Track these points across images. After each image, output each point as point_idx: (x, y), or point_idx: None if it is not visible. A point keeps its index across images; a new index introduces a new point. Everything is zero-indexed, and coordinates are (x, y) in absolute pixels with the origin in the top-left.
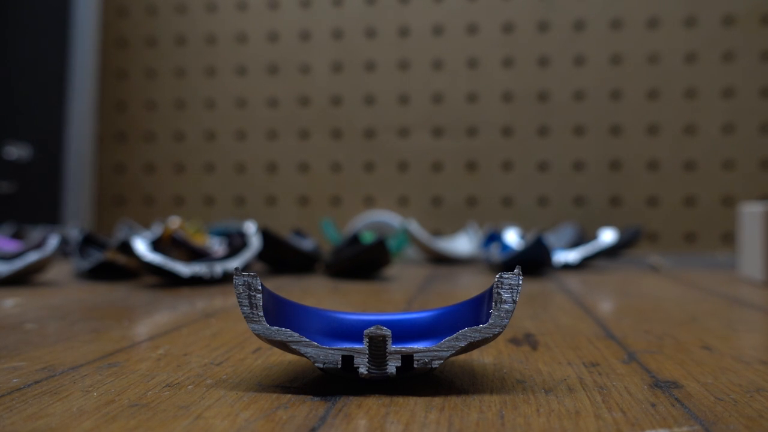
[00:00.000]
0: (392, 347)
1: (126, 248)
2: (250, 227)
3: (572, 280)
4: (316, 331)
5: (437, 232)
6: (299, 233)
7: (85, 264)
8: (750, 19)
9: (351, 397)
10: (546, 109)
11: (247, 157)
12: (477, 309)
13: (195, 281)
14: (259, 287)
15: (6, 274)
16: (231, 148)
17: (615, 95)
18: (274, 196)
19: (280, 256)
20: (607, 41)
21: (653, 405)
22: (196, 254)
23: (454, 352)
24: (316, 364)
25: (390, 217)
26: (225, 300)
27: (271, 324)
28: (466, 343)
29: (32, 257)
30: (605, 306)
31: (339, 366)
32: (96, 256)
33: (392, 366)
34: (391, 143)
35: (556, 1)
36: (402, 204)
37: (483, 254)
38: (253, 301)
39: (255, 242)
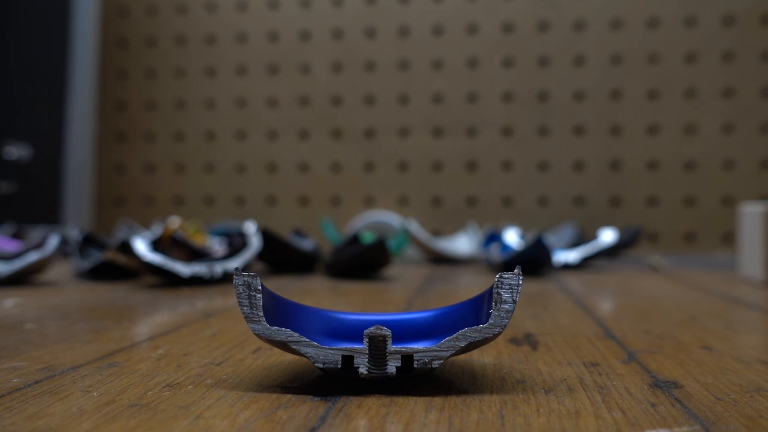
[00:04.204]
0: (392, 347)
1: (126, 248)
2: (250, 227)
3: (572, 280)
4: (316, 331)
5: (437, 232)
6: (299, 233)
7: (85, 264)
8: (750, 19)
9: (351, 397)
10: (546, 109)
11: (247, 157)
12: (477, 309)
13: (195, 281)
14: (259, 287)
15: (6, 274)
16: (231, 148)
17: (615, 95)
18: (274, 196)
19: (280, 256)
20: (607, 41)
21: (653, 405)
22: (196, 254)
23: (454, 352)
24: (316, 364)
25: (390, 217)
26: (225, 300)
27: (271, 324)
28: (466, 343)
29: (32, 257)
30: (605, 306)
31: (339, 366)
32: (96, 256)
33: (392, 366)
34: (391, 143)
35: (557, 1)
36: (402, 204)
37: (483, 254)
38: (253, 301)
39: (255, 242)
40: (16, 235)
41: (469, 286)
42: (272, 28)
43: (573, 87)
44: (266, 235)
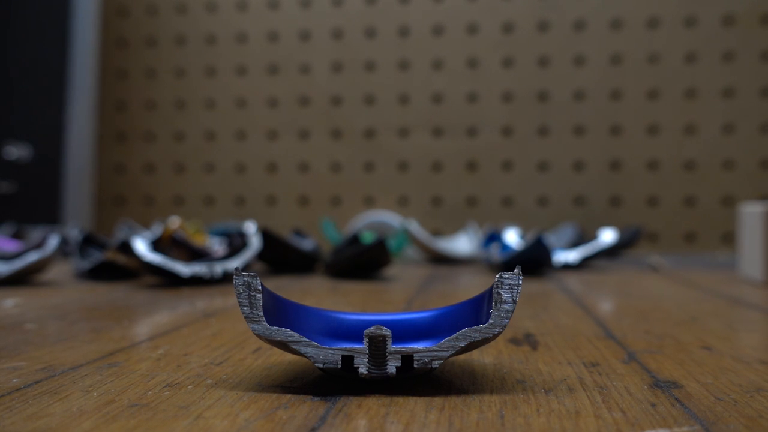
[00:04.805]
0: (392, 347)
1: (126, 248)
2: (250, 227)
3: (572, 280)
4: (316, 331)
5: (437, 232)
6: (299, 233)
7: (85, 264)
8: (750, 19)
9: (351, 397)
10: (546, 109)
11: (247, 157)
12: (477, 309)
13: (195, 281)
14: (259, 287)
15: (6, 274)
16: (231, 148)
17: (615, 95)
18: (274, 196)
19: (280, 256)
20: (607, 41)
21: (653, 405)
22: (196, 254)
23: (454, 352)
24: (316, 364)
25: (390, 217)
26: (225, 300)
27: (271, 324)
28: (466, 343)
29: (32, 257)
30: (605, 306)
31: (339, 366)
32: (96, 256)
33: (392, 366)
34: (391, 143)
35: (558, 1)
36: (402, 204)
37: (483, 254)
38: (253, 301)
39: (255, 242)
40: (16, 235)
41: (469, 286)
42: (272, 28)
43: (573, 87)
44: (266, 235)
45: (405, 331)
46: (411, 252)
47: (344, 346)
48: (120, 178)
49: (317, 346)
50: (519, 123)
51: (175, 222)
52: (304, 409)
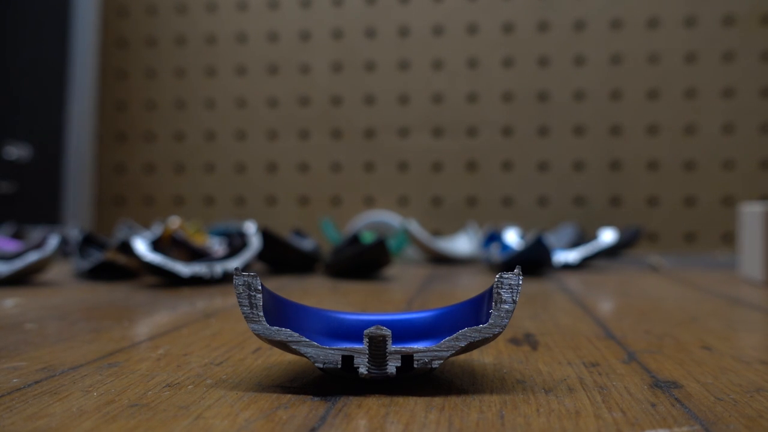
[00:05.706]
0: (392, 347)
1: (126, 248)
2: (250, 227)
3: (572, 280)
4: (316, 331)
5: (437, 232)
6: (299, 233)
7: (85, 264)
8: (750, 19)
9: (351, 397)
10: (546, 109)
11: (247, 157)
12: (477, 309)
13: (195, 281)
14: (259, 287)
15: (6, 274)
16: (231, 148)
17: (615, 95)
18: (274, 196)
19: (280, 256)
20: (607, 41)
21: (653, 405)
22: (196, 254)
23: (454, 352)
24: (316, 364)
25: (390, 217)
26: (225, 300)
27: (271, 324)
28: (466, 343)
29: (32, 257)
30: (605, 306)
31: (339, 366)
32: (96, 256)
33: (392, 366)
34: (391, 143)
35: (557, 1)
36: (402, 204)
37: (483, 254)
38: (253, 301)
39: (255, 242)
40: (16, 235)
41: (469, 286)
42: (272, 28)
43: (573, 87)
44: (266, 235)
45: (405, 331)
46: (411, 252)
47: (344, 346)
48: (120, 178)
49: (317, 346)
50: (519, 123)
51: (175, 222)
52: (304, 409)
